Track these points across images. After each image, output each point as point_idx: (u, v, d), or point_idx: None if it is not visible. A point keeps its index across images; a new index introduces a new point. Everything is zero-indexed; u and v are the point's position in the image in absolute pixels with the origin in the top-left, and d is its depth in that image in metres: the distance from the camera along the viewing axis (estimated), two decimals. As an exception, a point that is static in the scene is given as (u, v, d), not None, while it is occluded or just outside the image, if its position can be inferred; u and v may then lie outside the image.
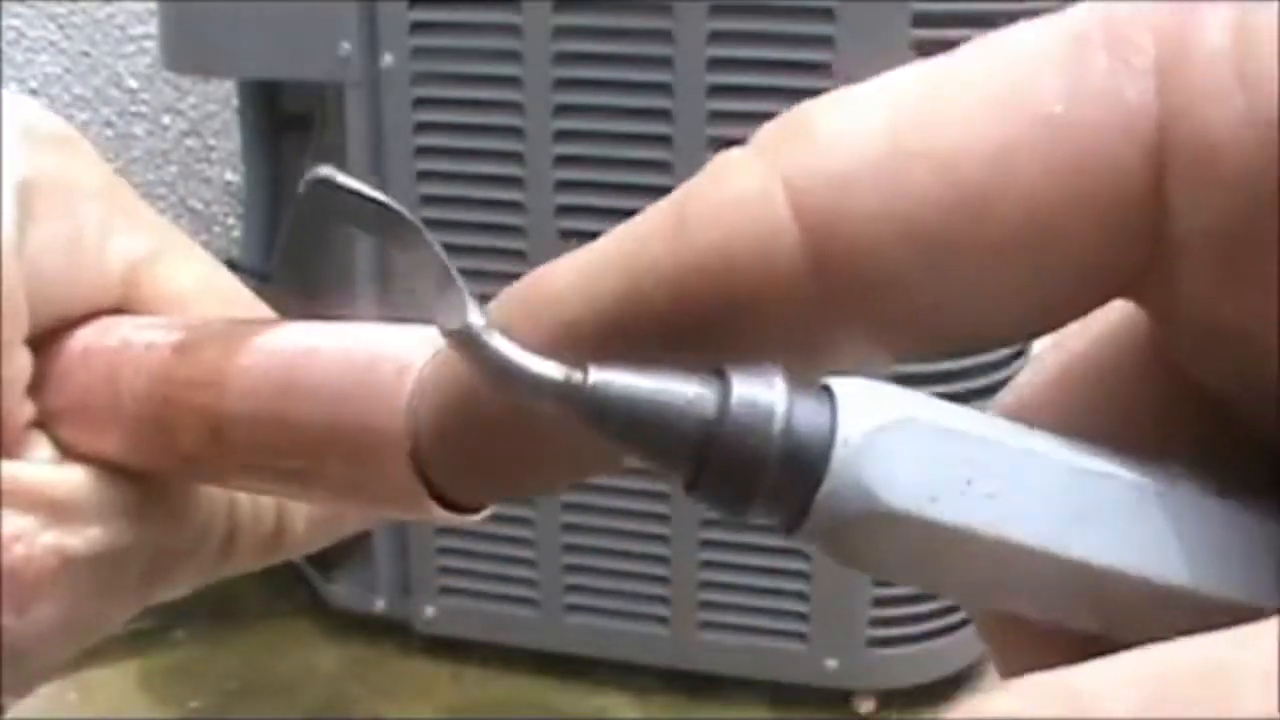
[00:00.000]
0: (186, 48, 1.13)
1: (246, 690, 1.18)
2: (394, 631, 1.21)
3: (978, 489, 0.14)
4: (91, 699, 1.17)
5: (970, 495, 0.14)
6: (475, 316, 0.14)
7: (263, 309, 0.29)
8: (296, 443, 0.23)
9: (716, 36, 0.96)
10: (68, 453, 0.26)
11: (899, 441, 0.14)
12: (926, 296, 0.15)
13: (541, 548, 1.12)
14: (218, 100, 1.87)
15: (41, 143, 0.26)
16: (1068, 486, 0.14)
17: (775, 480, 0.14)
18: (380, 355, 0.22)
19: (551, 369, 0.14)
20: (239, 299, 0.29)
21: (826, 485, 0.14)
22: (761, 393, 0.14)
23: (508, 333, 0.15)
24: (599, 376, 0.14)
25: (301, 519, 0.28)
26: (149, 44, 1.71)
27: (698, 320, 0.15)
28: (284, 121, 1.20)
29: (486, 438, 0.18)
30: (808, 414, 0.14)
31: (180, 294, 0.28)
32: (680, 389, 0.14)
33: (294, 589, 1.30)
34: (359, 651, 1.22)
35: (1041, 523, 0.14)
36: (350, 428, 0.22)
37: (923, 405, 0.14)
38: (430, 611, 1.17)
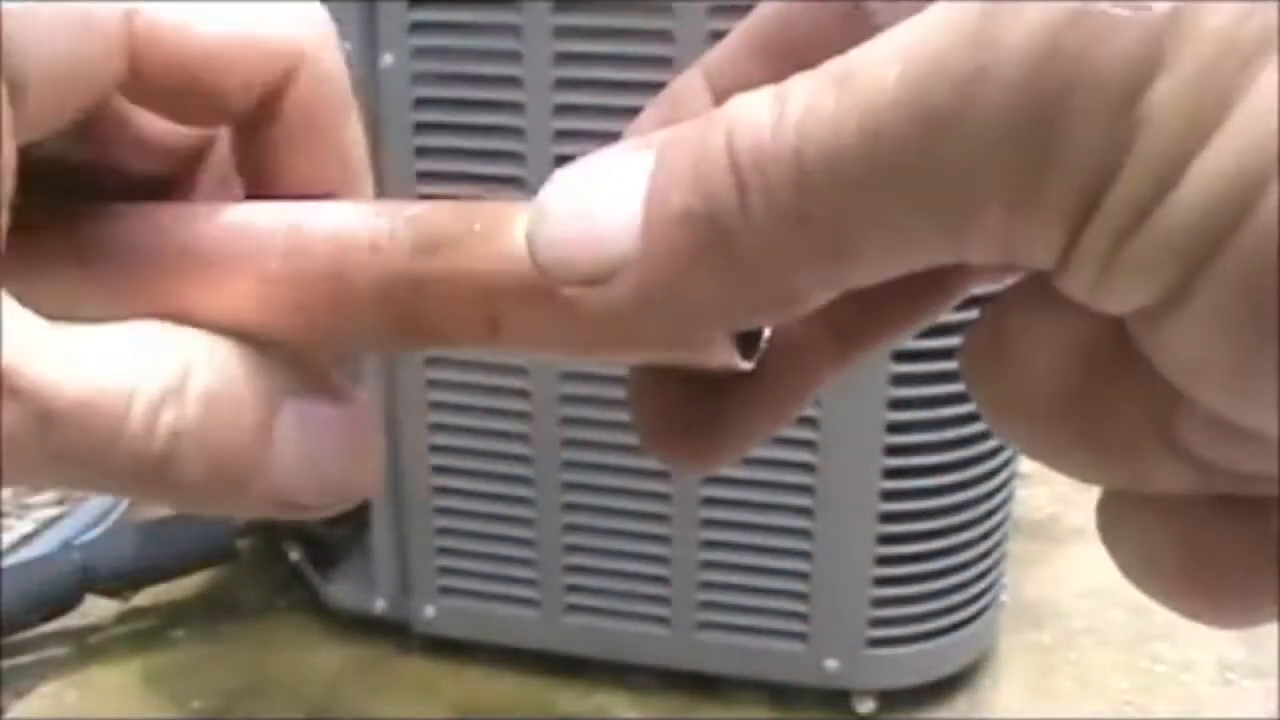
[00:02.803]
0: (186, 48, 1.13)
1: (247, 690, 1.18)
2: (394, 631, 1.21)
3: None
4: (91, 699, 1.17)
5: None
6: None
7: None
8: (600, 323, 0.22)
9: (716, 36, 0.95)
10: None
11: None
12: None
13: (541, 548, 1.12)
14: (218, 100, 1.87)
15: None
16: None
17: None
18: None
19: None
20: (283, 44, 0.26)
21: None
22: None
23: None
24: None
25: None
26: (149, 44, 1.71)
27: None
28: (284, 121, 1.20)
29: None
30: None
31: (208, 51, 0.24)
32: None
33: (294, 589, 1.30)
34: (359, 651, 1.22)
35: None
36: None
37: None
38: (430, 611, 1.17)
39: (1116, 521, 0.20)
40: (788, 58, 0.21)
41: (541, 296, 0.22)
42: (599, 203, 0.19)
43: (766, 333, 0.24)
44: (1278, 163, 0.15)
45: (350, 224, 0.25)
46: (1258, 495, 0.19)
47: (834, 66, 0.17)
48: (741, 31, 0.23)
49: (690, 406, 0.24)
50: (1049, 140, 0.16)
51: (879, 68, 0.17)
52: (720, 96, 0.23)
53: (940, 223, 0.17)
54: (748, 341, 0.23)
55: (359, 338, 0.25)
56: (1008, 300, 0.20)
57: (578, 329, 0.22)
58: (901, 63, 0.16)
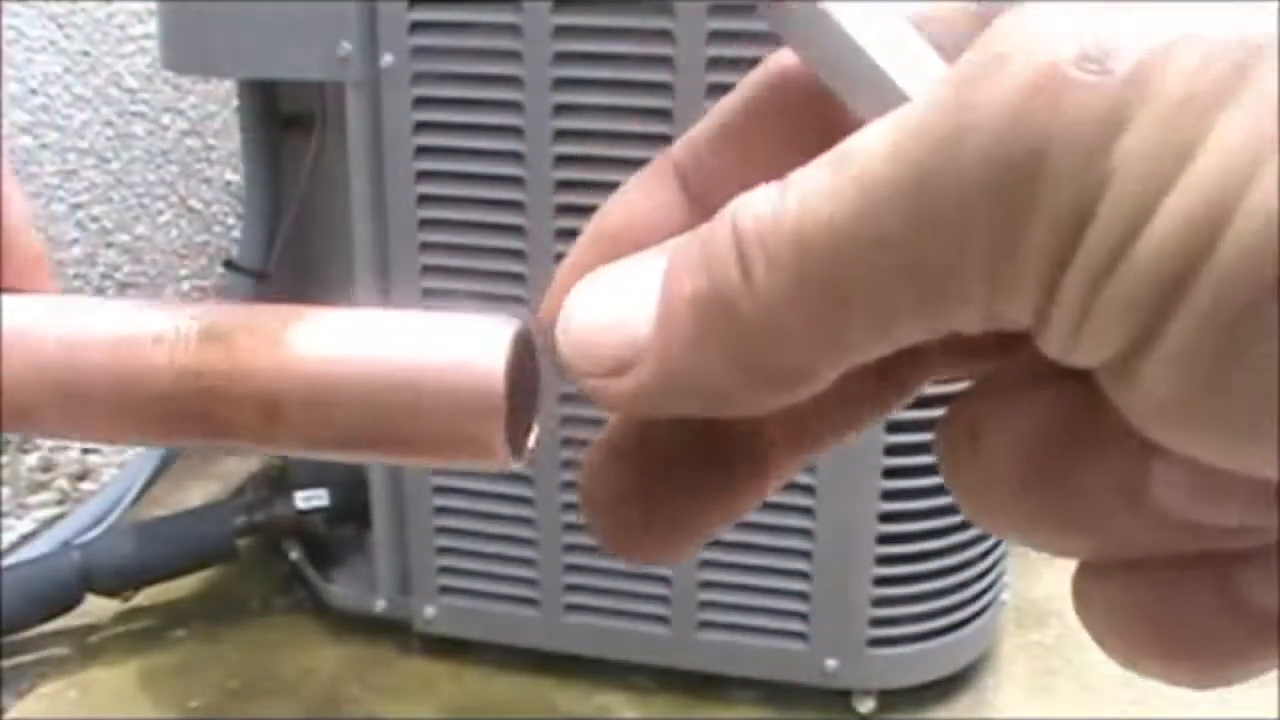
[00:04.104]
0: (186, 48, 1.13)
1: (246, 690, 1.18)
2: (394, 631, 1.21)
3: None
4: (91, 699, 1.17)
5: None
6: None
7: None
8: (373, 420, 0.24)
9: (716, 36, 0.96)
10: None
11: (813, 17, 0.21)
12: None
13: (541, 548, 1.12)
14: (218, 100, 1.87)
15: None
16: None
17: None
18: (445, 325, 0.25)
19: None
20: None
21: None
22: None
23: None
24: None
25: None
26: (149, 44, 1.71)
27: None
28: (284, 121, 1.20)
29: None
30: None
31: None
32: None
33: (294, 589, 1.30)
34: (359, 651, 1.22)
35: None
36: (435, 399, 0.24)
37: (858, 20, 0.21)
38: (430, 611, 1.17)
39: (1090, 594, 0.21)
40: (755, 150, 0.23)
41: (319, 394, 0.24)
42: (618, 300, 0.21)
43: (535, 433, 0.26)
44: (1239, 200, 0.16)
45: (134, 318, 0.27)
46: (1229, 550, 0.19)
47: (832, 152, 0.19)
48: (705, 127, 0.25)
49: (646, 501, 0.25)
50: (1026, 193, 0.17)
51: (874, 143, 0.18)
52: (695, 187, 0.24)
53: (928, 285, 0.18)
54: (519, 444, 0.25)
55: (142, 432, 0.27)
56: (975, 390, 0.21)
57: (358, 425, 0.24)
58: (894, 135, 0.18)
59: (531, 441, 0.26)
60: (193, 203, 1.87)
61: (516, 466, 0.25)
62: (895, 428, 1.02)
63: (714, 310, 0.19)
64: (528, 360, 0.26)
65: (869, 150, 0.18)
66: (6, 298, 0.27)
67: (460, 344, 0.25)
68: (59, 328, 0.27)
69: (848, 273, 0.18)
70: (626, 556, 0.25)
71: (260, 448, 0.26)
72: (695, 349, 0.20)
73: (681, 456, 0.24)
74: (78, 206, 1.66)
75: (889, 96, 0.20)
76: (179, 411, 0.26)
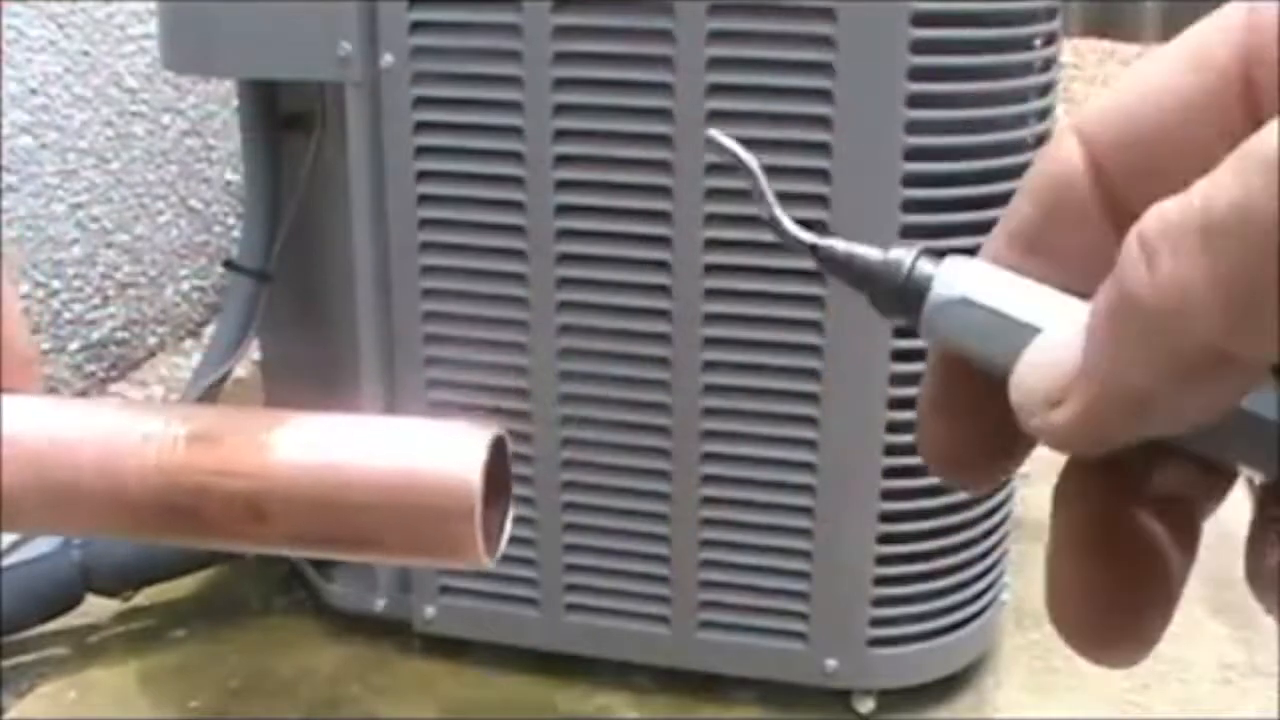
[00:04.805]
0: (186, 48, 1.13)
1: (246, 690, 1.18)
2: (394, 631, 1.21)
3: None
4: (91, 699, 1.17)
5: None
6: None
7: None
8: (354, 521, 0.26)
9: (716, 36, 0.96)
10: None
11: (957, 310, 0.25)
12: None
13: (541, 548, 1.12)
14: (218, 100, 1.87)
15: None
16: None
17: (903, 298, 0.25)
18: (424, 432, 0.26)
19: (809, 236, 0.27)
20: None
21: (927, 304, 0.25)
22: (903, 256, 0.25)
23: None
24: (827, 241, 0.26)
25: None
26: (149, 44, 1.71)
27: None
28: (284, 121, 1.20)
29: None
30: (922, 269, 0.25)
31: None
32: (866, 251, 0.26)
33: (294, 588, 1.30)
34: (359, 651, 1.22)
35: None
36: (414, 503, 0.26)
37: (984, 286, 0.24)
38: (430, 611, 1.17)
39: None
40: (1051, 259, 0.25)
41: (304, 497, 0.26)
42: (1052, 342, 0.23)
43: (508, 530, 0.28)
44: None
45: (123, 418, 0.28)
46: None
47: (1233, 155, 0.20)
48: (1003, 233, 0.27)
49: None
50: None
51: (1270, 136, 0.19)
52: None
53: None
54: (493, 543, 0.27)
55: (135, 528, 0.28)
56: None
57: (341, 527, 0.26)
58: None
59: (504, 539, 0.28)
60: (193, 203, 1.87)
61: (488, 564, 0.27)
62: (895, 429, 1.02)
63: (1126, 311, 0.21)
64: (502, 463, 0.27)
65: (1268, 140, 0.19)
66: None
67: (439, 452, 0.26)
68: (49, 427, 0.27)
69: (1259, 245, 0.19)
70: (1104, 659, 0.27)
71: (244, 544, 0.27)
72: (1115, 356, 0.21)
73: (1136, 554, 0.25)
74: (78, 206, 1.66)
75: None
76: (168, 506, 0.26)
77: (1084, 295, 0.24)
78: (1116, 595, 0.25)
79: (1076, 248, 0.24)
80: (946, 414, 0.27)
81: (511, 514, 0.28)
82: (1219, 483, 0.25)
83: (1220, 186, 0.19)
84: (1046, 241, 0.25)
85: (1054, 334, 0.23)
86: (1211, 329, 0.20)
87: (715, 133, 0.27)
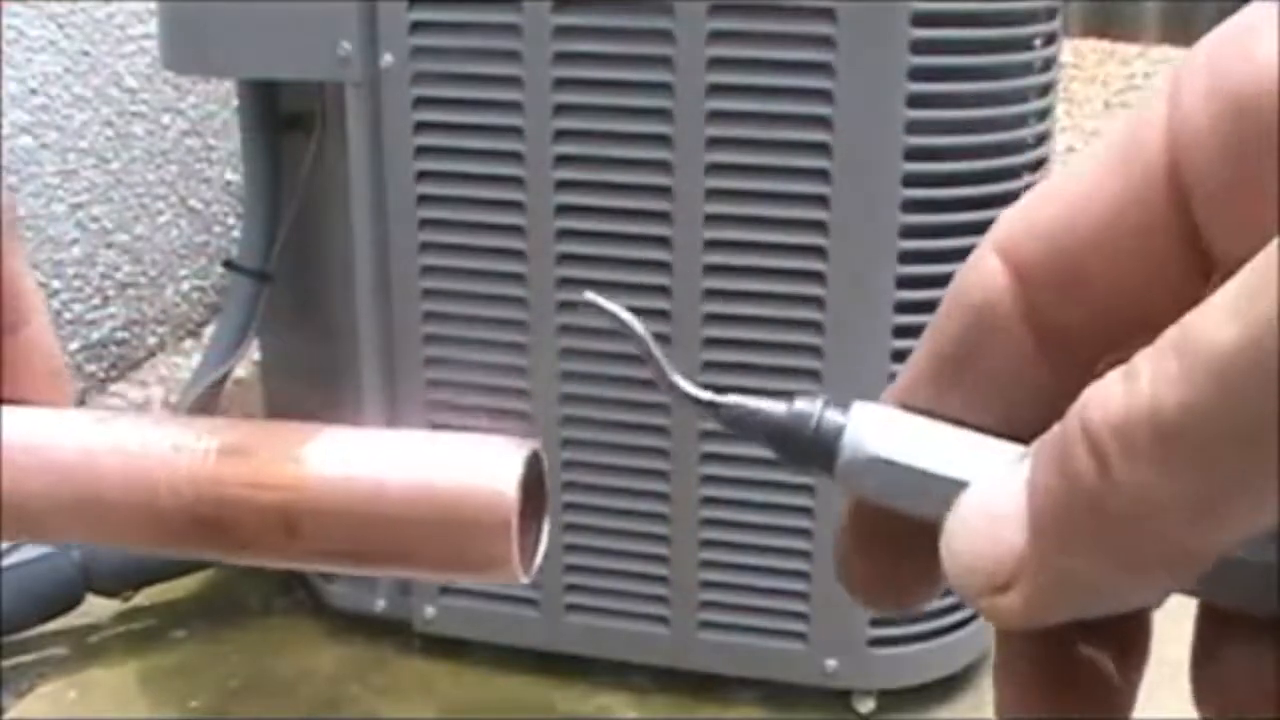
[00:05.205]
0: (186, 48, 1.13)
1: (246, 690, 1.18)
2: (394, 631, 1.21)
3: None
4: (91, 699, 1.17)
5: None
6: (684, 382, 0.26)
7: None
8: (387, 536, 0.26)
9: (716, 36, 0.96)
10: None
11: (872, 468, 0.24)
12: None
13: (541, 548, 1.12)
14: (218, 100, 1.87)
15: None
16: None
17: (813, 453, 0.25)
18: (458, 446, 0.26)
19: (708, 395, 0.26)
20: None
21: (839, 461, 0.24)
22: (809, 408, 0.25)
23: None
24: (729, 400, 0.26)
25: None
26: (149, 44, 1.71)
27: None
28: (284, 121, 1.20)
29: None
30: (831, 421, 0.25)
31: None
32: (770, 406, 0.26)
33: (294, 589, 1.30)
34: (359, 651, 1.22)
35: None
36: (449, 518, 0.26)
37: (898, 440, 0.24)
38: (430, 611, 1.17)
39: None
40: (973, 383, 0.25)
41: (337, 511, 0.25)
42: (991, 519, 0.22)
43: (543, 546, 0.28)
44: None
45: (152, 428, 0.28)
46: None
47: (1169, 335, 0.19)
48: (925, 353, 0.26)
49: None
50: None
51: (1217, 330, 0.18)
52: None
53: None
54: (528, 559, 0.27)
55: (165, 541, 0.27)
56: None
57: (374, 542, 0.26)
58: (1237, 324, 0.18)
59: (539, 555, 0.28)
60: (193, 203, 1.87)
61: (524, 580, 0.27)
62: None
63: (1078, 510, 0.20)
64: (537, 478, 0.27)
65: (1213, 335, 0.18)
66: (27, 409, 0.28)
67: (474, 467, 0.26)
68: (79, 438, 0.27)
69: (1215, 453, 0.18)
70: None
71: (276, 559, 0.27)
72: (1068, 552, 0.20)
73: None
74: (78, 206, 1.66)
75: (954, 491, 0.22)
76: (199, 519, 0.26)
77: (1005, 418, 0.23)
78: None
79: (1000, 365, 0.24)
80: (868, 555, 0.26)
81: (547, 529, 0.27)
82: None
83: (1168, 382, 0.18)
84: (970, 359, 0.24)
85: (982, 491, 0.22)
86: (1174, 528, 0.19)
87: (593, 296, 0.27)
